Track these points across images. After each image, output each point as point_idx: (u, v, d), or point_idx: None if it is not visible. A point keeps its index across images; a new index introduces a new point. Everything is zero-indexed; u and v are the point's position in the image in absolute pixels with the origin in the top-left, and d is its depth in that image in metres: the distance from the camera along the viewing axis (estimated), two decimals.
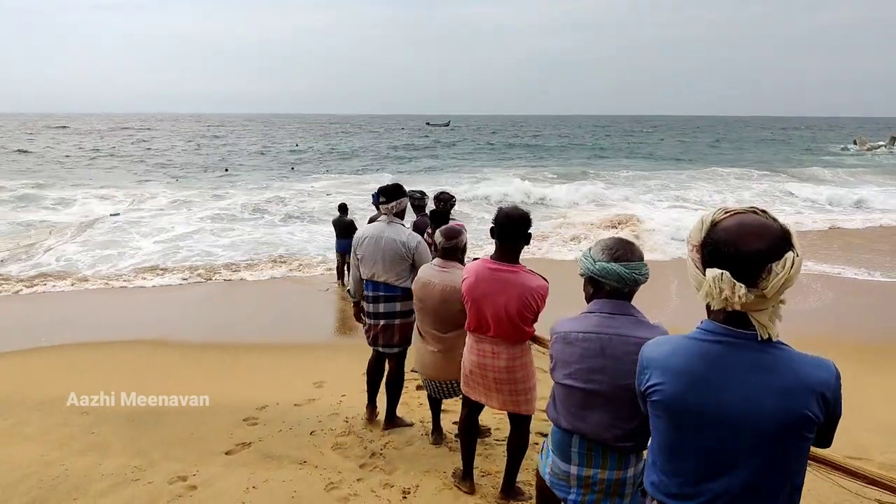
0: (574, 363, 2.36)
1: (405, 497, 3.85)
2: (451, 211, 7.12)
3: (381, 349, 4.72)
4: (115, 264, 11.77)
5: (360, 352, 6.84)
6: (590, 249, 2.39)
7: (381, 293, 4.57)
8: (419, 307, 4.02)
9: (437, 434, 4.62)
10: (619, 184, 26.00)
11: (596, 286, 2.37)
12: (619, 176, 29.15)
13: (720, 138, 73.86)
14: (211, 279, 10.90)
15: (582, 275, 2.39)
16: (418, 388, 5.51)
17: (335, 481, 4.02)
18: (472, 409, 3.81)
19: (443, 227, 3.93)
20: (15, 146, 45.19)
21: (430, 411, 4.72)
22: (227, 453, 4.45)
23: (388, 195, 4.61)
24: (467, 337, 3.55)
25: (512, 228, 3.23)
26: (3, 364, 6.55)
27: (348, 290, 5.53)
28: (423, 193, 7.56)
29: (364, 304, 4.72)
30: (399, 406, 5.12)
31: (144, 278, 10.84)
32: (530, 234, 3.28)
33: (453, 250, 3.91)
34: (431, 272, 3.91)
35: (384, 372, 4.89)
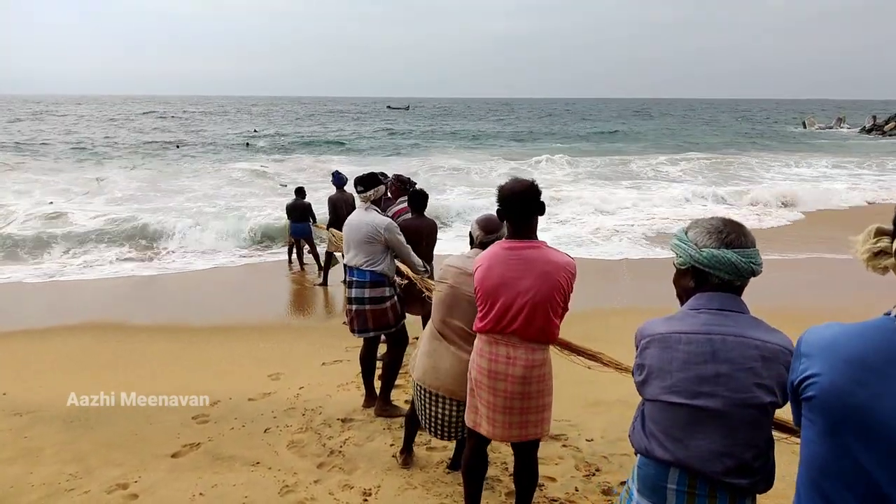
0: (677, 372, 1.85)
1: (366, 499, 3.58)
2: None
3: (356, 334, 4.73)
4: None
5: (319, 339, 6.62)
6: (686, 232, 1.95)
7: (355, 279, 4.61)
8: (447, 300, 3.37)
9: (409, 454, 4.00)
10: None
11: (700, 278, 1.90)
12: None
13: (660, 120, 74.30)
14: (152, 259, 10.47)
15: (681, 265, 1.94)
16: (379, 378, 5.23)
17: (290, 484, 3.74)
18: (479, 444, 3.15)
19: (481, 217, 3.40)
20: None
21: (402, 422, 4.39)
22: (173, 456, 4.11)
23: (365, 184, 4.68)
24: (478, 339, 3.01)
25: (521, 202, 2.79)
26: None
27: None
28: (384, 175, 7.31)
29: (346, 288, 4.82)
30: (359, 397, 4.89)
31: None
32: (542, 202, 2.84)
33: (491, 244, 3.27)
34: (466, 261, 3.30)
35: (374, 364, 4.95)
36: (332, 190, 8.63)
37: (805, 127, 57.50)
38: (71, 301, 8.69)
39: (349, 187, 6.38)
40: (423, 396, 3.50)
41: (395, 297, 4.69)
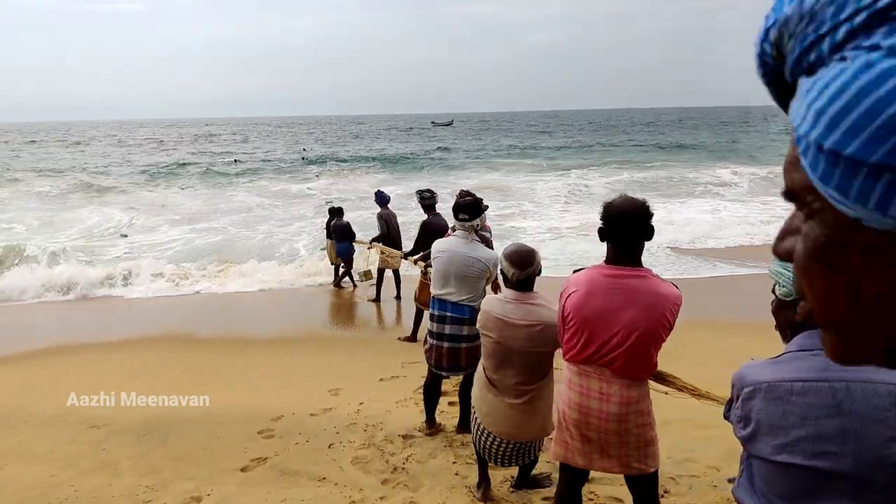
0: (794, 429, 1.55)
1: None
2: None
3: (444, 373, 4.45)
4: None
5: (374, 355, 6.71)
6: None
7: (449, 313, 4.26)
8: (490, 350, 3.20)
9: (487, 486, 3.77)
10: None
11: None
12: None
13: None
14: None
15: (785, 296, 1.72)
16: (451, 404, 5.25)
17: (357, 500, 3.80)
18: (573, 480, 2.85)
19: (510, 250, 3.16)
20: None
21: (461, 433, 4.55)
22: (242, 470, 4.24)
23: (470, 211, 4.23)
24: (566, 369, 2.74)
25: (630, 224, 2.51)
26: (5, 374, 6.39)
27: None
28: (432, 192, 7.41)
29: (429, 321, 4.44)
30: (419, 413, 4.93)
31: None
32: (652, 226, 2.54)
33: (531, 279, 3.14)
34: (506, 307, 3.11)
35: (439, 394, 4.77)
36: (376, 208, 8.84)
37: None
38: (142, 316, 9.03)
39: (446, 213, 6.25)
40: (480, 430, 3.41)
41: None
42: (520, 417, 3.22)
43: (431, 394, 4.67)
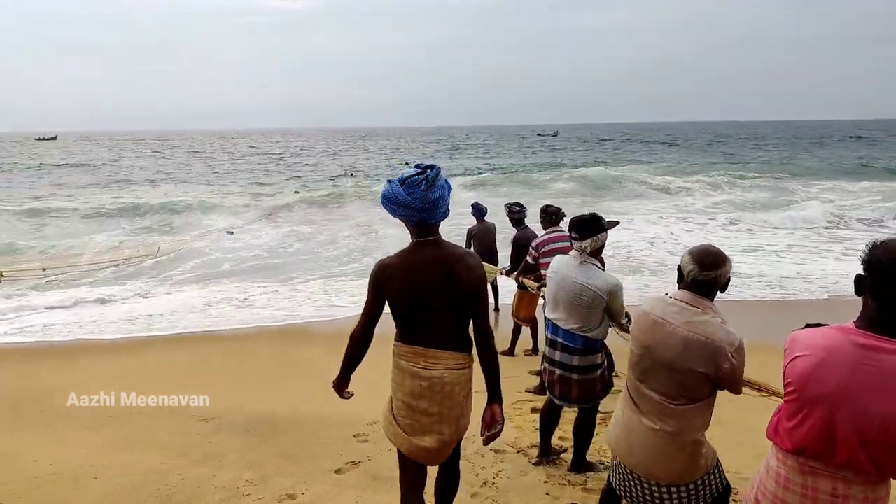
0: None
1: None
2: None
3: (556, 400, 4.10)
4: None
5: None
6: None
7: (560, 339, 3.90)
8: (640, 361, 2.71)
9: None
10: None
11: None
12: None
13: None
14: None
15: None
16: (534, 410, 5.19)
17: None
18: None
19: (697, 248, 2.66)
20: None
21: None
22: (336, 472, 4.35)
23: (582, 229, 3.74)
24: (772, 455, 2.17)
25: None
26: (126, 363, 6.91)
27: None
28: (521, 206, 7.34)
29: (546, 345, 4.09)
30: (512, 429, 4.87)
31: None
32: None
33: (710, 284, 2.60)
34: (669, 309, 2.62)
35: (558, 420, 4.34)
36: (471, 221, 8.69)
37: None
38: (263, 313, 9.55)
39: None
40: (618, 467, 2.91)
41: (606, 362, 4.00)
42: (660, 448, 2.64)
43: (547, 420, 4.30)
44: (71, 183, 32.55)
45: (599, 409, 4.18)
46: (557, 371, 3.94)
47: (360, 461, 4.49)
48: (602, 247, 3.86)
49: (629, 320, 3.73)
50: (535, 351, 7.14)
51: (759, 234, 16.25)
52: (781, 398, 2.21)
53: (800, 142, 69.97)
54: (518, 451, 4.58)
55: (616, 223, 4.21)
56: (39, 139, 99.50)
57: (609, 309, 3.75)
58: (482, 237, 8.34)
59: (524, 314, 6.84)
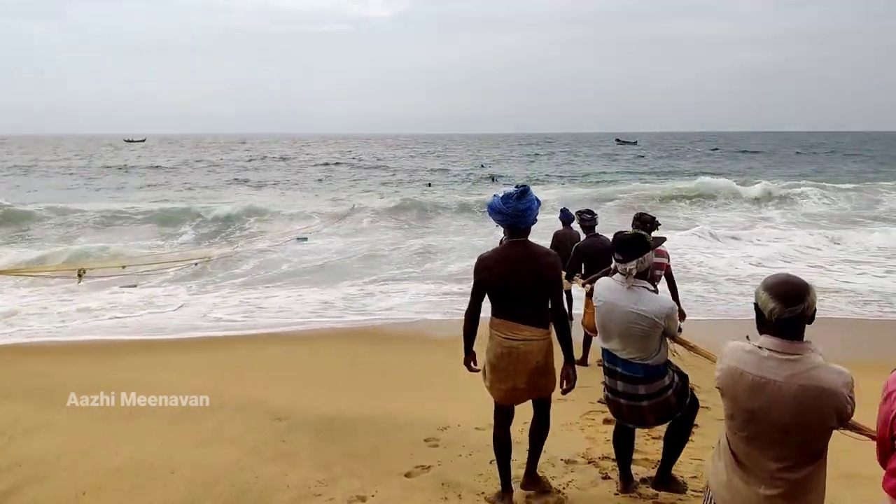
0: None
1: None
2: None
3: (631, 425, 3.82)
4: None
5: None
6: None
7: (619, 369, 3.60)
8: (742, 421, 2.37)
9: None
10: None
11: None
12: None
13: None
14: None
15: None
16: (606, 421, 5.03)
17: None
18: None
19: (774, 279, 2.33)
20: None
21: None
22: (406, 475, 4.33)
23: (627, 250, 3.46)
24: None
25: None
26: (212, 360, 7.16)
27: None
28: (592, 213, 7.20)
29: (604, 374, 3.79)
30: (583, 439, 4.74)
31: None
32: None
33: (798, 321, 2.26)
34: (765, 363, 2.27)
35: (633, 441, 4.06)
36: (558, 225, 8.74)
37: None
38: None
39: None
40: None
41: (677, 377, 3.66)
42: None
43: (622, 443, 3.97)
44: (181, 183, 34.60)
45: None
46: (623, 401, 3.63)
47: (430, 465, 4.46)
48: (649, 267, 3.55)
49: (680, 329, 3.64)
50: None
51: None
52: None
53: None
54: (589, 462, 4.45)
55: (663, 239, 3.93)
56: (128, 141, 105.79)
57: (666, 332, 3.48)
58: (562, 241, 8.39)
59: (591, 322, 6.71)
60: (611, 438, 4.79)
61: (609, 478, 4.21)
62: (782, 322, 2.23)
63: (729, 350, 2.42)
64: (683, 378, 3.72)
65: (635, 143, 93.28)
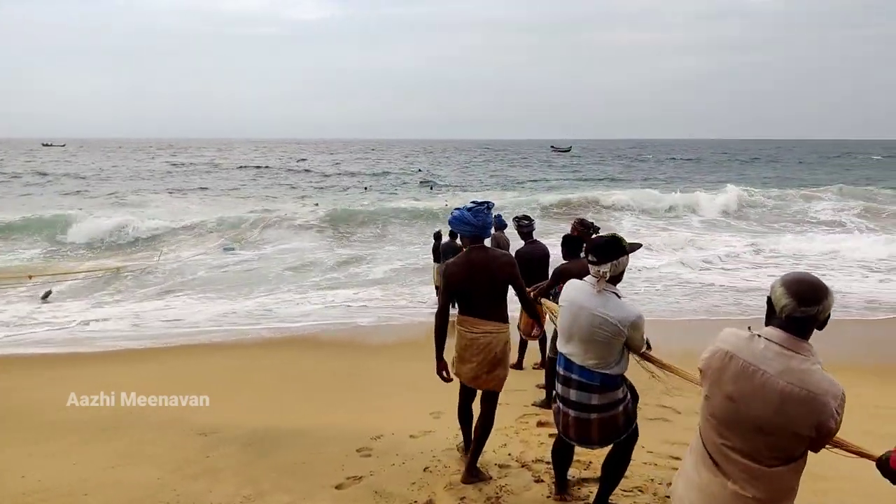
0: None
1: None
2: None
3: (574, 442, 3.64)
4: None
5: None
6: None
7: (574, 376, 3.42)
8: (723, 415, 2.24)
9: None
10: None
11: None
12: None
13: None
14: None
15: None
16: (540, 424, 5.04)
17: None
18: None
19: (792, 277, 2.20)
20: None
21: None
22: (336, 487, 4.20)
23: (602, 253, 3.32)
24: None
25: None
26: (134, 373, 6.83)
27: None
28: (530, 219, 7.24)
29: (556, 382, 3.62)
30: (518, 443, 4.74)
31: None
32: None
33: (809, 322, 2.13)
34: (760, 352, 2.16)
35: (572, 456, 3.95)
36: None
37: None
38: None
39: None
40: None
41: (629, 394, 3.55)
42: None
43: (559, 456, 3.90)
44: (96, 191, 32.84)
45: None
46: (572, 413, 3.46)
47: (363, 476, 4.35)
48: (622, 273, 3.40)
49: (649, 346, 3.47)
50: (543, 364, 6.99)
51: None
52: (872, 459, 2.13)
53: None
54: (522, 466, 4.43)
55: (638, 245, 3.72)
56: (46, 145, 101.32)
57: (629, 342, 3.33)
58: (495, 244, 8.48)
59: (527, 327, 6.73)
60: (544, 441, 4.84)
61: (542, 481, 4.19)
62: (792, 320, 2.12)
63: (723, 335, 2.30)
64: (635, 399, 3.61)
65: (569, 149, 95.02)
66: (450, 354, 4.21)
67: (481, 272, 4.07)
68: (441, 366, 4.19)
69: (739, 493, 2.17)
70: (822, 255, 14.95)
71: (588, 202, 25.05)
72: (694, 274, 13.44)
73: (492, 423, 4.27)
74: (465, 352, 4.18)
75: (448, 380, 4.21)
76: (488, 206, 4.20)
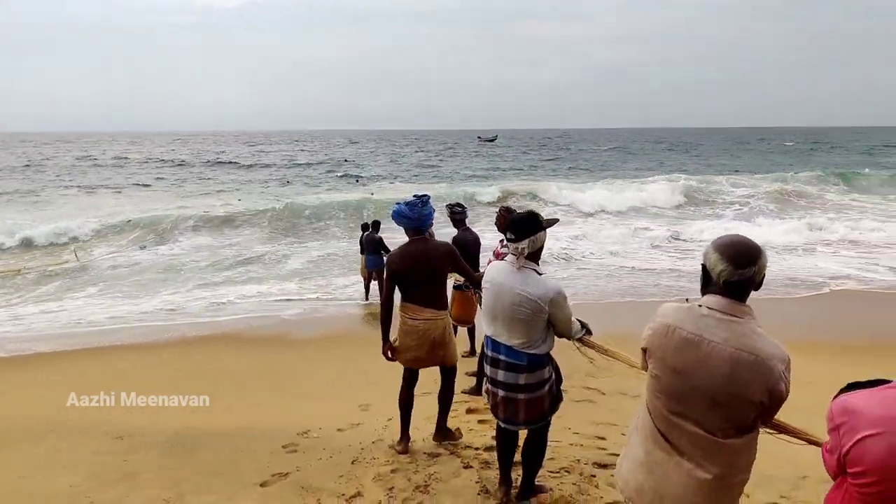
0: None
1: None
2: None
3: (502, 424, 3.66)
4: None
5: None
6: None
7: (502, 357, 3.42)
8: (667, 384, 2.19)
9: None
10: None
11: None
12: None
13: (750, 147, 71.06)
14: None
15: None
16: (469, 411, 5.10)
17: None
18: None
19: (726, 239, 2.16)
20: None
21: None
22: (262, 485, 4.13)
23: (519, 229, 3.30)
24: None
25: None
26: (46, 376, 6.49)
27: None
28: (462, 206, 7.26)
29: (485, 364, 3.60)
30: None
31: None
32: None
33: (746, 285, 2.10)
34: (703, 321, 2.12)
35: (516, 444, 3.84)
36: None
37: None
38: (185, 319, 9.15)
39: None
40: None
41: (554, 375, 3.55)
42: (705, 496, 2.15)
43: (503, 446, 3.81)
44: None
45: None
46: (501, 392, 3.47)
47: (289, 472, 4.29)
48: (541, 249, 3.38)
49: (588, 331, 3.44)
50: (472, 352, 7.06)
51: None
52: (819, 445, 2.03)
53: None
54: (451, 453, 4.47)
55: (555, 221, 3.70)
56: None
57: (552, 320, 3.31)
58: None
59: (457, 313, 6.77)
60: (473, 428, 4.90)
61: (470, 467, 4.25)
62: (730, 285, 2.08)
63: (662, 309, 2.25)
64: (559, 380, 3.59)
65: (495, 138, 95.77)
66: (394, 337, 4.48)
67: (420, 262, 4.29)
68: (386, 347, 4.47)
69: (695, 470, 2.12)
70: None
71: (509, 194, 25.22)
72: (616, 258, 13.89)
73: (452, 393, 4.65)
74: (406, 337, 4.41)
75: (392, 359, 4.50)
76: (423, 199, 4.39)
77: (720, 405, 2.06)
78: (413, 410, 4.62)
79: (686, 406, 2.12)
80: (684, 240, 16.09)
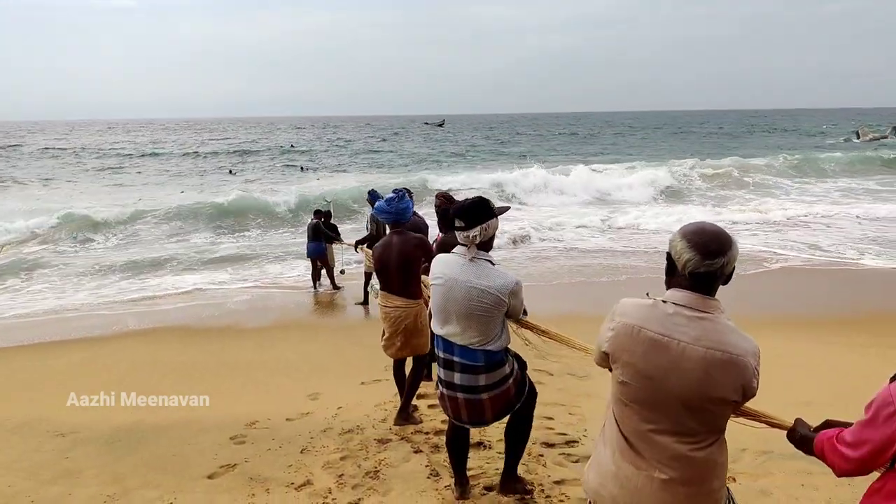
0: None
1: None
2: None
3: (467, 426, 3.50)
4: None
5: (356, 359, 6.56)
6: None
7: (456, 358, 3.20)
8: (635, 392, 2.03)
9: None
10: None
11: None
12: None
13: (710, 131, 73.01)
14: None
15: None
16: (418, 396, 5.14)
17: None
18: None
19: (693, 226, 1.98)
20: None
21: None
22: (209, 477, 4.10)
23: (469, 217, 3.10)
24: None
25: None
26: None
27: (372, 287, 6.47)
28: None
29: (438, 366, 3.39)
30: (396, 416, 4.83)
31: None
32: None
33: (714, 276, 1.94)
34: (670, 320, 1.96)
35: (468, 441, 3.71)
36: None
37: (858, 138, 53.84)
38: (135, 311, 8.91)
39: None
40: None
41: (517, 364, 3.39)
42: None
43: (456, 446, 3.63)
44: None
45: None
46: (461, 396, 3.24)
47: (237, 464, 4.27)
48: (492, 238, 3.21)
49: (525, 313, 3.32)
50: None
51: None
52: (784, 429, 2.08)
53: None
54: (402, 439, 4.52)
55: (507, 208, 3.55)
56: None
57: (509, 311, 3.16)
58: (371, 220, 8.56)
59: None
60: (422, 412, 4.94)
61: (420, 451, 4.30)
62: (696, 276, 1.92)
63: (622, 307, 2.06)
64: (522, 366, 3.45)
65: (442, 123, 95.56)
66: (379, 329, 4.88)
67: (393, 253, 4.57)
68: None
69: (667, 481, 1.99)
70: (668, 223, 15.80)
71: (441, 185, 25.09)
72: (547, 242, 14.12)
73: (419, 380, 4.90)
74: (384, 323, 4.76)
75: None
76: (401, 194, 4.70)
77: (693, 409, 1.93)
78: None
79: (659, 413, 1.98)
80: (625, 227, 16.27)
